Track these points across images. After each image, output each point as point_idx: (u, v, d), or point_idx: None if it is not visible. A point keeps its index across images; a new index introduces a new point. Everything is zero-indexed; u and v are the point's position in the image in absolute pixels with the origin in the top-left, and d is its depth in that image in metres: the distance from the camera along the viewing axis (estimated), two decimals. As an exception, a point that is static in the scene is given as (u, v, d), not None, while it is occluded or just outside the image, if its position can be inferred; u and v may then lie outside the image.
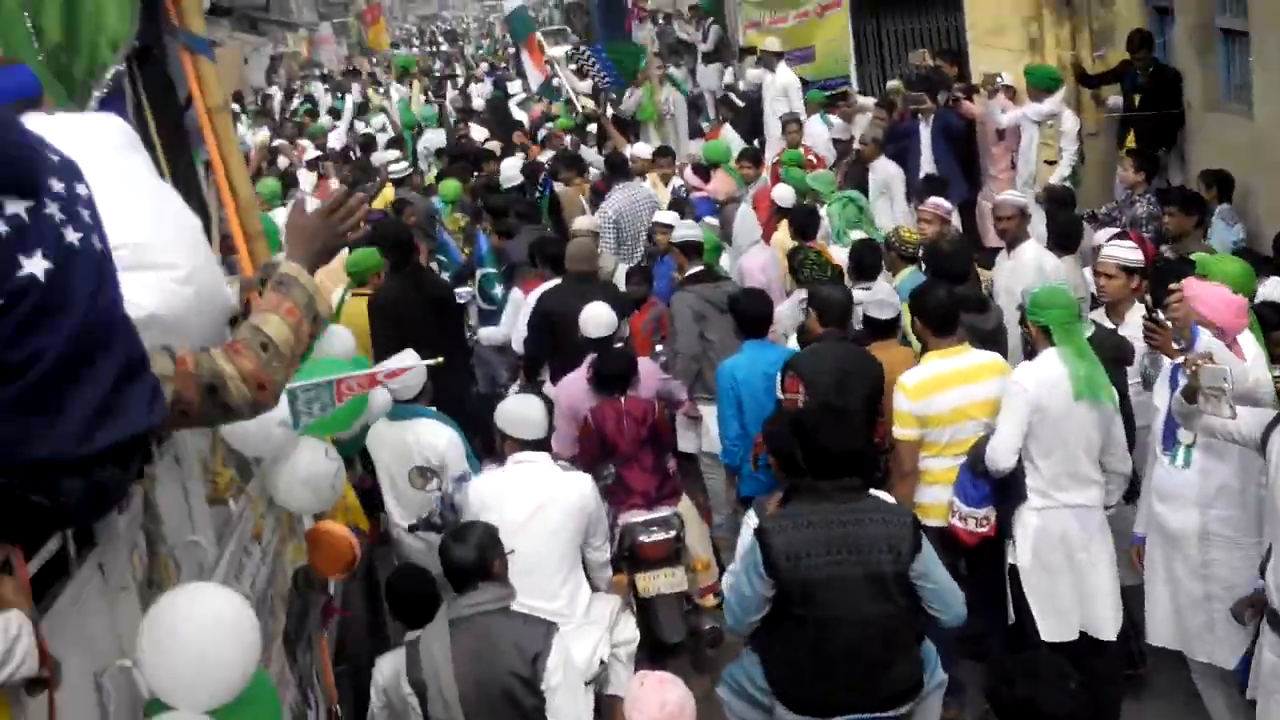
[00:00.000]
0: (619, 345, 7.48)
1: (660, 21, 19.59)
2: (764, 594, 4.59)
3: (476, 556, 4.69)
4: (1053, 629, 5.63)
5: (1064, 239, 8.01)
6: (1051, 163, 10.76)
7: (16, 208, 2.41)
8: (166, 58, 4.97)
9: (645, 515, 6.68)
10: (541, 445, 6.06)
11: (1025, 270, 7.65)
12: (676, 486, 7.02)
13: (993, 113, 11.06)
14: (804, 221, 8.91)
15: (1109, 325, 6.32)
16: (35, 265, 2.41)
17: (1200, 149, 10.22)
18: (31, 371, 2.38)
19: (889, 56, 14.42)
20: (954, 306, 6.25)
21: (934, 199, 8.93)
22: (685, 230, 8.52)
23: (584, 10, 45.88)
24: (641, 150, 12.78)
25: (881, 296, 6.90)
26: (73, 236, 2.51)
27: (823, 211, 9.35)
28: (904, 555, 4.53)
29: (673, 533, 6.68)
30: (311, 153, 16.38)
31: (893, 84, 13.20)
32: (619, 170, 11.77)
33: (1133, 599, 5.75)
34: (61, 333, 2.43)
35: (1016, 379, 5.65)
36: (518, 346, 8.75)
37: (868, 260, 7.83)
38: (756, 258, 9.27)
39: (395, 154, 15.03)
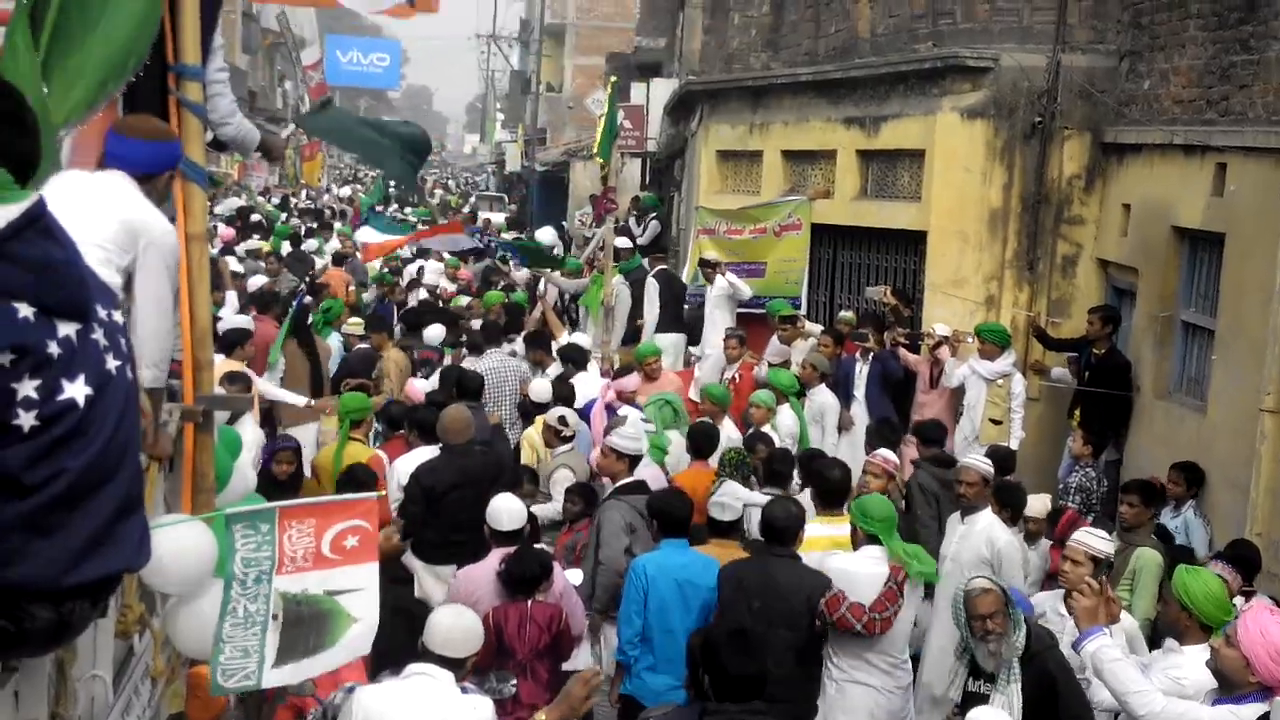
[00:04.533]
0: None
1: (623, 219, 20.11)
2: None
3: None
4: None
5: (1007, 502, 8.20)
6: (996, 421, 11.01)
7: (68, 329, 2.54)
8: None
9: None
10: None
11: (976, 541, 7.79)
12: None
13: (948, 370, 11.38)
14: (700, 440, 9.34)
15: (1063, 612, 6.47)
16: (77, 390, 2.53)
17: (1144, 435, 10.58)
18: (43, 492, 2.45)
19: (840, 287, 14.80)
20: (846, 484, 7.96)
21: (883, 452, 9.10)
22: (632, 443, 8.43)
23: (523, 182, 47.10)
24: (582, 340, 12.84)
25: (725, 500, 7.58)
26: (112, 364, 2.64)
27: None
28: None
29: (558, 754, 6.44)
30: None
31: (845, 315, 13.52)
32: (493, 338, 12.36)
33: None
34: (82, 459, 2.52)
35: (825, 565, 6.93)
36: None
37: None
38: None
39: None
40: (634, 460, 8.31)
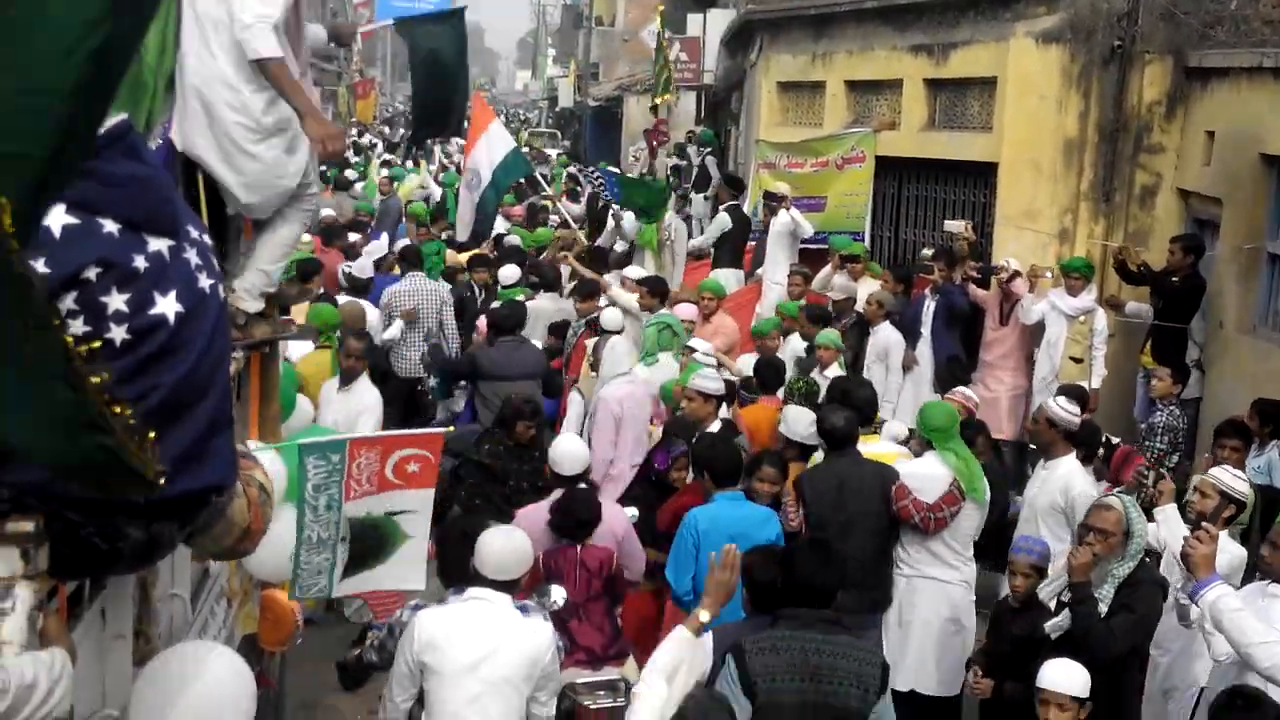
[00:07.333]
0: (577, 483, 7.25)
1: (673, 152, 19.89)
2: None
3: None
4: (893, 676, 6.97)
5: (1083, 443, 7.98)
6: (1077, 360, 10.74)
7: (159, 245, 2.60)
8: None
9: (590, 676, 6.41)
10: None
11: (1053, 487, 7.64)
12: (625, 646, 6.85)
13: (1026, 306, 11.06)
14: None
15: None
16: (168, 306, 2.57)
17: (1227, 371, 10.31)
18: (137, 408, 2.44)
19: (906, 222, 14.53)
20: (873, 402, 8.51)
21: (962, 390, 9.11)
22: (715, 383, 8.43)
23: (576, 118, 46.88)
24: (638, 274, 12.71)
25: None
26: (205, 283, 2.69)
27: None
28: (871, 694, 4.87)
29: (620, 700, 6.36)
30: None
31: (926, 253, 13.22)
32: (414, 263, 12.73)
33: None
34: (174, 375, 2.57)
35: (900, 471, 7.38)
36: None
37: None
38: (619, 390, 9.31)
39: None
40: (720, 400, 8.28)
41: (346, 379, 9.10)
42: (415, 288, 12.13)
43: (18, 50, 1.94)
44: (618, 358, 9.74)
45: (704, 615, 4.88)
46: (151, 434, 2.33)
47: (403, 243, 15.61)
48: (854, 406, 7.90)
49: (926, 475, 7.31)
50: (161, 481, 2.40)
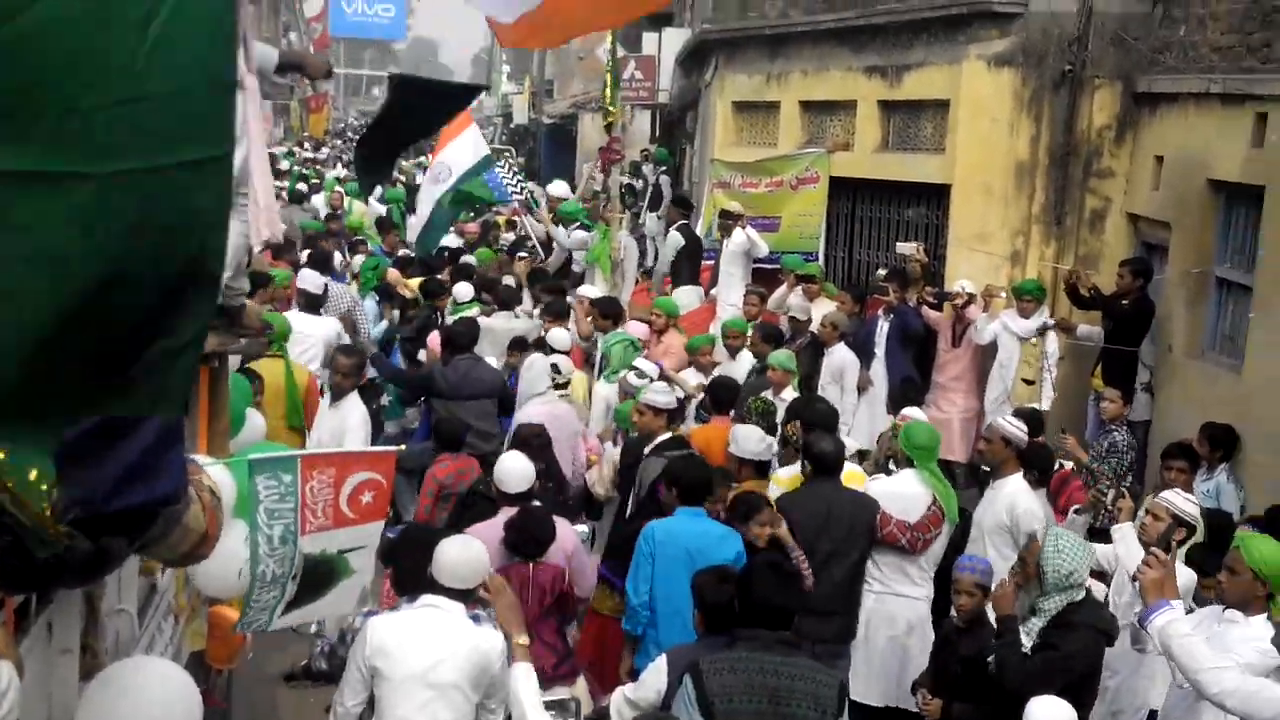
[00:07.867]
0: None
1: (627, 170, 19.89)
2: None
3: None
4: (861, 690, 7.24)
5: (1036, 465, 8.07)
6: (1029, 382, 10.85)
7: None
8: None
9: (541, 695, 6.39)
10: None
11: (999, 506, 7.75)
12: (575, 665, 6.89)
13: (979, 326, 11.16)
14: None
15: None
16: None
17: (1175, 395, 10.43)
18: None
19: (859, 242, 14.63)
20: (834, 420, 8.45)
21: (913, 411, 9.17)
22: (667, 397, 8.47)
23: (531, 135, 46.83)
24: (591, 293, 12.71)
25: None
26: None
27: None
28: (828, 714, 4.87)
29: (570, 719, 6.39)
30: None
31: (882, 273, 13.31)
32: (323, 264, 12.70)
33: None
34: None
35: (868, 489, 7.56)
36: None
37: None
38: (535, 410, 9.35)
39: None
40: (672, 414, 8.31)
41: (335, 396, 9.10)
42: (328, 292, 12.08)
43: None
44: (535, 377, 9.73)
45: (521, 639, 4.99)
46: (46, 485, 2.24)
47: (357, 259, 15.58)
48: (812, 423, 7.97)
49: (904, 494, 7.50)
50: (65, 544, 2.36)
